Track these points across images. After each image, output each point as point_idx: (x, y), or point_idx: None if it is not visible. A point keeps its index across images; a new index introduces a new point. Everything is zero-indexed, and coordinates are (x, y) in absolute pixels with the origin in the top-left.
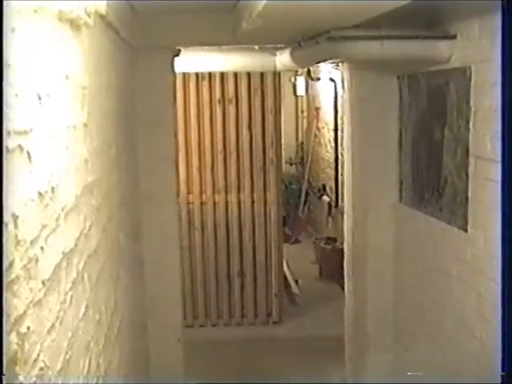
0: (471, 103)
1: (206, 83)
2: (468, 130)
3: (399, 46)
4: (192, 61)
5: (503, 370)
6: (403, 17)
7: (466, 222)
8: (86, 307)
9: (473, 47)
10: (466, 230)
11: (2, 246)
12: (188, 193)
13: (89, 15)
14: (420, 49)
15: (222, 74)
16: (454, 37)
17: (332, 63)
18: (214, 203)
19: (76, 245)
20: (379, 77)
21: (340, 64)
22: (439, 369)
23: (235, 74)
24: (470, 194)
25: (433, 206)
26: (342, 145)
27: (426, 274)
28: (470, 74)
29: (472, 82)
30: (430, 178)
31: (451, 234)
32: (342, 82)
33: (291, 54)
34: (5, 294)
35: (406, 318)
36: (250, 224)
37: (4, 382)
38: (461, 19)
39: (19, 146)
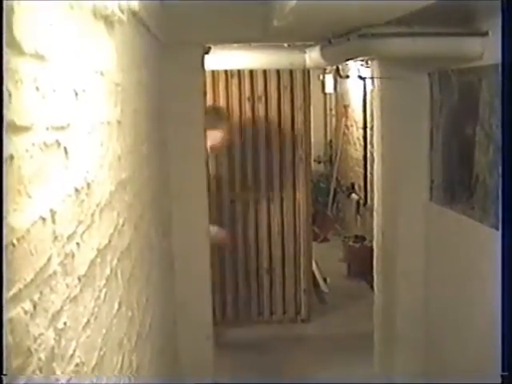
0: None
1: (235, 81)
2: (500, 127)
3: (431, 43)
4: (221, 58)
5: (503, 370)
6: (434, 14)
7: (498, 219)
8: (119, 304)
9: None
10: (497, 228)
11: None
12: (217, 190)
13: (122, 11)
14: (452, 46)
15: (252, 72)
16: (486, 34)
17: (361, 61)
18: (244, 201)
19: (110, 241)
20: (409, 74)
21: (370, 61)
22: (470, 369)
23: (264, 72)
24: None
25: (464, 204)
26: (370, 143)
27: (456, 272)
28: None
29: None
30: (462, 176)
31: (483, 232)
32: (372, 79)
33: (321, 51)
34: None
35: (436, 317)
36: (279, 222)
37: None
38: (493, 16)
39: (57, 141)
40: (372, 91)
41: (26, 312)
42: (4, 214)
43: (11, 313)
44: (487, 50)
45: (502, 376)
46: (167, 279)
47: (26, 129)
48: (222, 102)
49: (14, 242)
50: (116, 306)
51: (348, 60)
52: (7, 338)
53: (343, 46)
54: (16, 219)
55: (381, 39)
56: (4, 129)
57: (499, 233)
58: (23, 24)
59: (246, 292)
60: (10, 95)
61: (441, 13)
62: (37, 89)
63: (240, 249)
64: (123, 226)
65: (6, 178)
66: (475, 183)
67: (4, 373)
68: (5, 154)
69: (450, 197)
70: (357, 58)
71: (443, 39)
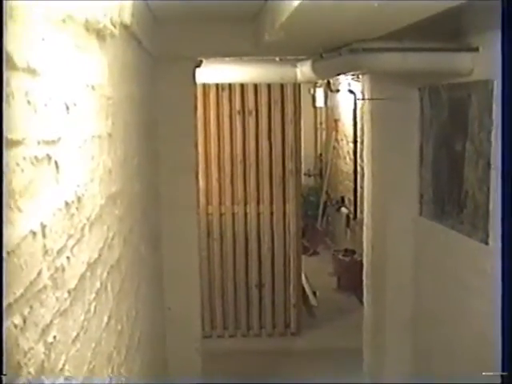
0: (493, 116)
1: (226, 94)
2: (490, 142)
3: (421, 58)
4: (212, 72)
5: (503, 370)
6: (425, 29)
7: (487, 235)
8: (109, 317)
9: (495, 60)
10: (486, 243)
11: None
12: (207, 204)
13: (114, 25)
14: (442, 61)
15: (242, 86)
16: (477, 49)
17: (352, 75)
18: (233, 214)
19: (100, 255)
20: (400, 89)
21: (360, 76)
22: (458, 382)
23: (255, 86)
24: (491, 207)
25: (453, 218)
26: (361, 157)
27: (445, 286)
28: (492, 87)
29: (494, 95)
30: (451, 190)
31: (472, 246)
32: (362, 93)
33: (312, 65)
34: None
35: (425, 330)
36: (269, 235)
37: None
38: (483, 32)
39: (47, 155)
40: (362, 106)
41: (15, 326)
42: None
43: (1, 327)
44: (477, 65)
45: (501, 376)
46: (156, 292)
47: (17, 143)
48: (212, 116)
49: (5, 256)
50: (105, 319)
51: (339, 74)
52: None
53: (334, 60)
54: (7, 233)
55: (371, 54)
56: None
57: (488, 247)
58: (15, 38)
59: (235, 305)
60: (1, 109)
61: (431, 28)
62: (28, 102)
63: (229, 262)
64: (113, 239)
65: (6, 189)
66: (464, 198)
67: (4, 373)
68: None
69: (439, 211)
70: (348, 72)
71: (434, 54)
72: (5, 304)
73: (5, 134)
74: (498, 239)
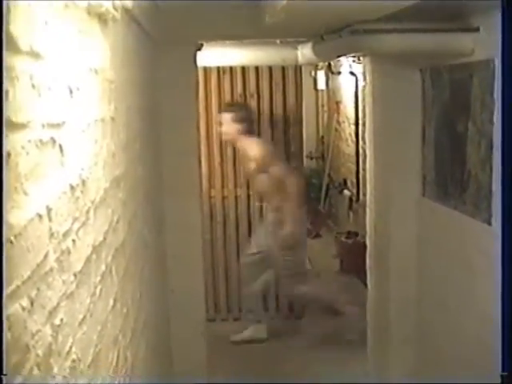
0: (495, 96)
1: (227, 77)
2: (492, 123)
3: (422, 39)
4: (213, 55)
5: (503, 370)
6: (426, 10)
7: (490, 215)
8: (114, 300)
9: (496, 40)
10: (489, 223)
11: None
12: (210, 187)
13: (116, 9)
14: (443, 42)
15: (244, 68)
16: (477, 29)
17: (353, 57)
18: (236, 197)
19: (105, 238)
20: (401, 70)
21: (362, 57)
22: (462, 364)
23: (256, 68)
24: (493, 188)
25: (456, 199)
26: (362, 139)
27: (449, 267)
28: (494, 66)
29: (496, 75)
30: (454, 171)
31: (475, 227)
32: (364, 75)
33: (313, 47)
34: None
35: (429, 312)
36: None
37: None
38: (483, 12)
39: (52, 138)
40: (364, 88)
41: (23, 308)
42: (3, 212)
43: (9, 309)
44: (478, 45)
45: (501, 376)
46: (160, 276)
47: (22, 126)
48: (214, 99)
49: (12, 239)
50: (111, 302)
51: (340, 56)
52: (6, 336)
53: (335, 42)
54: (13, 216)
55: (373, 35)
56: (4, 126)
57: (491, 228)
58: (19, 21)
59: (239, 288)
60: (7, 92)
61: (432, 9)
62: (33, 86)
63: (233, 246)
64: (117, 223)
65: (7, 175)
66: (467, 178)
67: (4, 373)
68: (4, 152)
69: (442, 192)
70: (349, 54)
71: (435, 35)
72: (12, 287)
73: (5, 117)
74: (500, 219)
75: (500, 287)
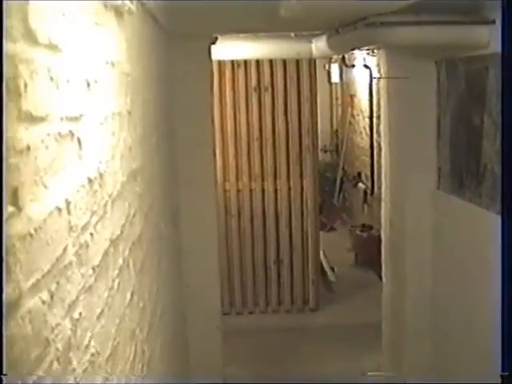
0: None
1: (241, 71)
2: None
3: (438, 31)
4: (228, 48)
5: (503, 370)
6: (442, 2)
7: None
8: (132, 294)
9: None
10: None
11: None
12: (224, 180)
13: (132, 2)
14: (459, 34)
15: (258, 62)
16: (493, 22)
17: (367, 49)
18: (251, 190)
19: (122, 232)
20: (416, 62)
21: (376, 50)
22: (478, 357)
23: (271, 62)
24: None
25: (472, 192)
26: (377, 132)
27: (464, 260)
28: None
29: None
30: (469, 164)
31: (491, 219)
32: (378, 68)
33: (328, 40)
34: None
35: (444, 305)
36: (287, 211)
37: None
38: (500, 4)
39: (70, 131)
40: (378, 80)
41: (43, 302)
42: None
43: (30, 303)
44: (494, 38)
45: (501, 376)
46: (176, 269)
47: (41, 119)
48: (228, 92)
49: (32, 232)
50: (128, 296)
51: (355, 49)
52: (26, 330)
53: (350, 34)
54: (33, 209)
55: (388, 28)
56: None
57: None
58: (37, 14)
59: (253, 282)
60: (25, 85)
61: (448, 1)
62: (51, 79)
63: (247, 239)
64: (134, 216)
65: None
66: (483, 171)
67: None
68: (20, 145)
69: (457, 185)
70: (364, 46)
71: (450, 28)
72: (32, 280)
73: (29, 110)
74: None
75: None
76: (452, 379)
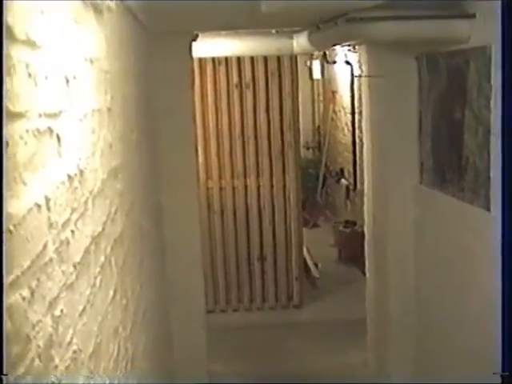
0: (492, 82)
1: (222, 68)
2: (489, 109)
3: (418, 26)
4: (208, 45)
5: (503, 370)
6: None
7: (489, 201)
8: (114, 291)
9: (492, 26)
10: (488, 210)
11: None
12: (207, 178)
13: None
14: (439, 29)
15: (239, 59)
16: (473, 16)
17: (348, 46)
18: (233, 188)
19: (103, 229)
20: (397, 58)
21: (357, 46)
22: (463, 352)
23: (252, 58)
24: (492, 174)
25: (454, 186)
26: (359, 128)
27: (448, 254)
28: (491, 52)
29: (492, 61)
30: (451, 158)
31: (474, 213)
32: (360, 64)
33: (309, 36)
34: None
35: (428, 299)
36: (270, 208)
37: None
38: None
39: (49, 128)
40: (359, 76)
41: (24, 298)
42: (3, 202)
43: (10, 299)
44: (474, 32)
45: (501, 376)
46: (159, 267)
47: (20, 115)
48: (209, 90)
49: (11, 228)
50: (111, 293)
51: (336, 45)
52: (7, 328)
53: (331, 30)
54: (12, 206)
55: (369, 23)
56: (4, 118)
57: (490, 213)
58: (15, 10)
59: (237, 279)
60: (3, 81)
61: None
62: (29, 75)
63: (231, 236)
64: (115, 213)
65: (6, 167)
66: (465, 165)
67: (4, 373)
68: (4, 142)
69: (439, 179)
70: (345, 42)
71: (431, 22)
72: (12, 277)
73: (7, 106)
74: (499, 205)
75: (499, 272)
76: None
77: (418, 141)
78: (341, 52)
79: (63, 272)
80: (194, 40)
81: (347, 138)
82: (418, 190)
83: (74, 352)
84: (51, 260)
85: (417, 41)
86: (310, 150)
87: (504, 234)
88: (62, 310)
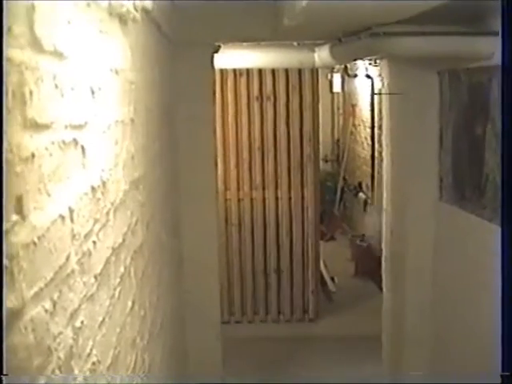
0: None
1: (243, 80)
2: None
3: (442, 42)
4: (230, 57)
5: (503, 370)
6: (446, 13)
7: None
8: (133, 302)
9: None
10: None
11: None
12: (225, 189)
13: (136, 10)
14: (463, 45)
15: (260, 71)
16: (497, 33)
17: (369, 59)
18: (252, 200)
19: (124, 240)
20: (419, 72)
21: (378, 60)
22: (478, 367)
23: (273, 71)
24: None
25: (474, 203)
26: (378, 142)
27: (466, 271)
28: None
29: None
30: (472, 175)
31: (492, 231)
32: (381, 78)
33: (331, 50)
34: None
35: (445, 316)
36: (287, 221)
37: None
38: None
39: (74, 139)
40: (380, 91)
41: (46, 311)
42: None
43: (32, 311)
44: (498, 49)
45: (501, 376)
46: (177, 278)
47: (46, 127)
48: (230, 101)
49: (35, 240)
50: (129, 304)
51: (358, 59)
52: (29, 339)
53: (354, 44)
54: (37, 217)
55: (392, 38)
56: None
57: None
58: (43, 21)
59: (253, 291)
60: (30, 93)
61: (452, 12)
62: (56, 86)
63: (248, 248)
64: (136, 225)
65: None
66: (485, 182)
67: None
68: (25, 153)
69: (459, 196)
70: (367, 56)
71: (454, 38)
72: (35, 289)
73: (34, 117)
74: None
75: None
76: (452, 379)
77: (438, 157)
78: (361, 66)
79: (84, 283)
80: (216, 52)
81: (366, 152)
82: (437, 206)
83: (93, 364)
84: (73, 271)
85: (440, 57)
86: (329, 163)
87: None
88: (82, 322)
